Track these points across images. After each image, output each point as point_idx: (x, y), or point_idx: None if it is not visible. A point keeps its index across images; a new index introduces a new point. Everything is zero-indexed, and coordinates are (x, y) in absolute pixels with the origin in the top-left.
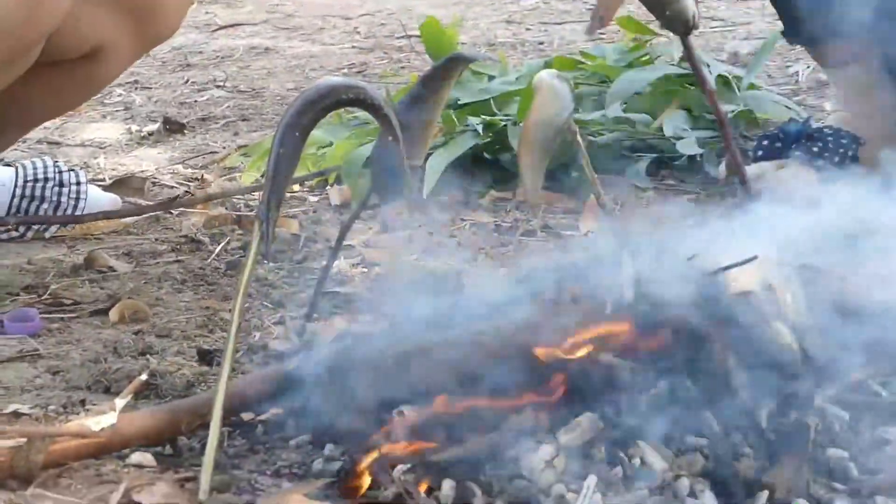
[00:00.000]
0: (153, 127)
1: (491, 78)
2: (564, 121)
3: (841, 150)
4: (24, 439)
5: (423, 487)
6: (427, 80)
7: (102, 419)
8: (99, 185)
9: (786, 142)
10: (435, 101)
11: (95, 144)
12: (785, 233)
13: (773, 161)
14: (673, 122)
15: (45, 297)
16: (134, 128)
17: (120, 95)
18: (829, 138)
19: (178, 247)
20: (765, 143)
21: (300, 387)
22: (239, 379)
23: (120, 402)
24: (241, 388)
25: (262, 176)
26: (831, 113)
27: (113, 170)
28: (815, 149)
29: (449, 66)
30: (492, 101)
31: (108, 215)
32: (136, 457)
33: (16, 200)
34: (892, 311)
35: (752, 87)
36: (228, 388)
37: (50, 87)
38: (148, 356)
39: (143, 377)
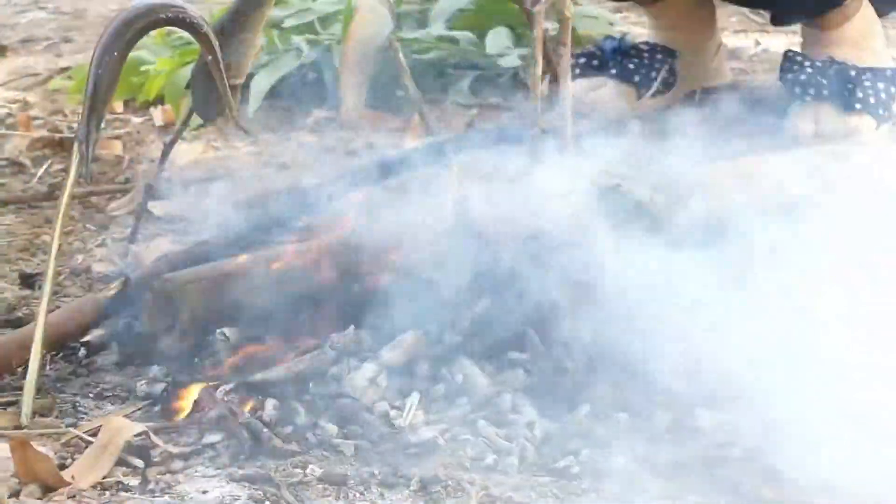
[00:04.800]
0: None
1: None
2: (384, 39)
3: (657, 66)
4: None
5: (246, 407)
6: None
7: None
8: None
9: (603, 59)
10: (255, 19)
11: None
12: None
13: (591, 79)
14: (496, 39)
15: None
16: None
17: None
18: (646, 54)
19: (0, 169)
20: (581, 61)
21: (123, 311)
22: (60, 311)
23: None
24: (62, 319)
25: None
26: (651, 29)
27: None
28: (631, 66)
29: None
30: (316, 21)
31: None
32: None
33: None
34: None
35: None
36: (52, 319)
37: None
38: None
39: None
